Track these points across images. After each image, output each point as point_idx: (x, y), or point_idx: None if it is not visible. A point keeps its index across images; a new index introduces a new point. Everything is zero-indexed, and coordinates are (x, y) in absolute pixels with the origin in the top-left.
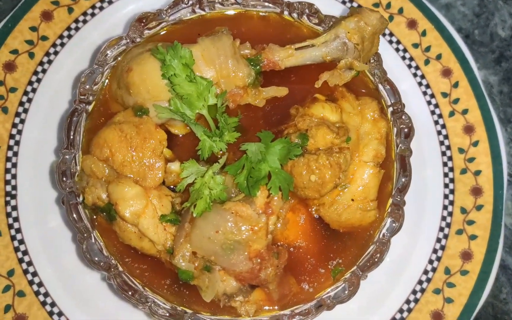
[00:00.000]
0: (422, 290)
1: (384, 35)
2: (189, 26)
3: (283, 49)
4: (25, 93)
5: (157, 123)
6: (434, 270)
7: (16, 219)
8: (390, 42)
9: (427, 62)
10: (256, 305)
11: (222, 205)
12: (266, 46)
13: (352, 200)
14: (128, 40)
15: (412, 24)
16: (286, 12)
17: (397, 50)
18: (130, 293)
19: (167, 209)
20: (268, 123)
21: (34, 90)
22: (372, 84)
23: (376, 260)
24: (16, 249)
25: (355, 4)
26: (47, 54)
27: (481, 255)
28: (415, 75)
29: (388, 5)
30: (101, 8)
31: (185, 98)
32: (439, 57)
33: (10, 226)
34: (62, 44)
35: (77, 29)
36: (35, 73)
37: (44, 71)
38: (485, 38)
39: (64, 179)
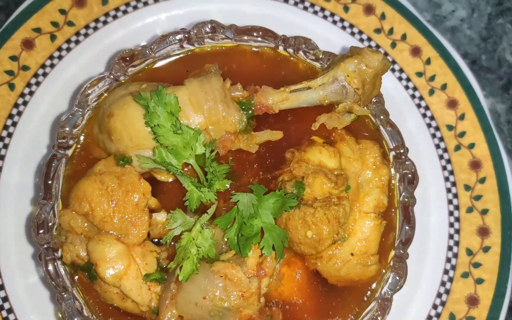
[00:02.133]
0: None
1: None
2: (177, 62)
3: (277, 92)
4: (5, 127)
5: (140, 172)
6: (438, 315)
7: None
8: (393, 70)
9: (431, 92)
10: None
11: (211, 266)
12: (258, 88)
13: (352, 254)
14: (110, 79)
15: (416, 51)
16: (281, 47)
17: (400, 79)
18: None
19: (152, 267)
20: (261, 168)
21: (14, 124)
22: (373, 126)
23: (378, 319)
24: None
25: (355, 29)
26: (29, 85)
27: (488, 300)
28: (418, 106)
29: (391, 31)
30: (86, 35)
31: (170, 148)
32: (444, 87)
33: None
34: (44, 74)
35: (60, 57)
36: (16, 105)
37: (25, 103)
38: (493, 63)
39: (41, 232)
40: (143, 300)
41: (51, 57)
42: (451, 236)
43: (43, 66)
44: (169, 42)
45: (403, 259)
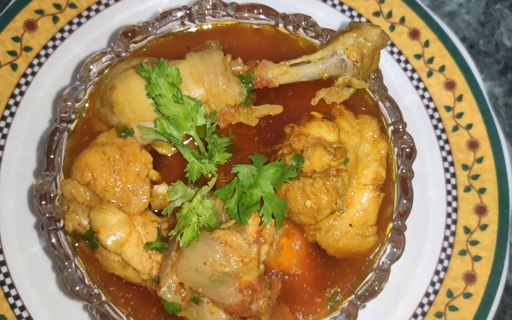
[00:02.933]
0: (424, 314)
1: None
2: (178, 39)
3: (277, 66)
4: (8, 106)
5: (142, 144)
6: (436, 292)
7: None
8: (392, 53)
9: (430, 74)
10: None
11: (211, 233)
12: (259, 62)
13: (350, 225)
14: (112, 55)
15: (414, 34)
16: (281, 25)
17: (398, 61)
18: None
19: (153, 236)
20: (262, 142)
21: (17, 104)
22: (372, 101)
23: (375, 288)
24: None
25: (354, 13)
26: (31, 65)
27: (485, 277)
28: (417, 87)
29: (389, 14)
30: (88, 17)
31: (171, 119)
32: (442, 69)
33: None
34: (47, 55)
35: (62, 39)
36: (18, 85)
37: (27, 83)
38: (490, 47)
39: (44, 203)
40: (144, 268)
41: (53, 39)
42: (449, 215)
43: (45, 47)
44: (171, 19)
45: (401, 231)
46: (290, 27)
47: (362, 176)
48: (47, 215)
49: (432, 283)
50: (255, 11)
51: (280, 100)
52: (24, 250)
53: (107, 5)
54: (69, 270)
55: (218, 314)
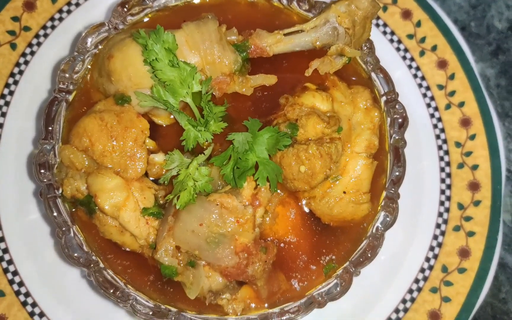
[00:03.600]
0: (419, 289)
1: (378, 25)
2: (174, 12)
3: (271, 35)
4: (7, 85)
5: (139, 112)
6: (430, 268)
7: None
8: (384, 33)
9: (422, 53)
10: (243, 303)
11: (207, 197)
12: (253, 32)
13: (344, 192)
14: (110, 27)
15: (406, 14)
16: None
17: (391, 41)
18: (111, 290)
19: (150, 202)
20: (257, 113)
21: (16, 82)
22: (365, 73)
23: (369, 255)
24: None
25: None
26: (30, 45)
27: (479, 252)
28: (410, 66)
29: None
30: None
31: (168, 85)
32: (434, 48)
33: None
34: (46, 35)
35: (60, 19)
36: (17, 64)
37: (26, 62)
38: (482, 30)
39: (42, 171)
40: (141, 233)
41: (52, 19)
42: (442, 192)
43: (44, 27)
44: None
45: (394, 199)
46: (284, 1)
47: (355, 144)
48: (46, 181)
49: (427, 259)
50: None
51: (275, 72)
52: (22, 218)
53: None
54: (68, 235)
55: (215, 277)
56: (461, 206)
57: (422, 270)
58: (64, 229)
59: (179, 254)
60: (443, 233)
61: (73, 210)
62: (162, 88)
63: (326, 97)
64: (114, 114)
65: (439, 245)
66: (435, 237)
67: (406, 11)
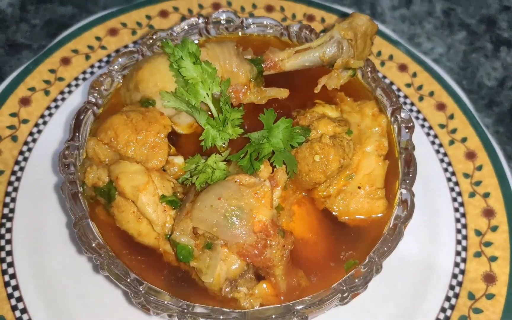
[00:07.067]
0: (447, 318)
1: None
2: None
3: (283, 51)
4: (36, 125)
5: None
6: (456, 296)
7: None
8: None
9: (421, 98)
10: (261, 299)
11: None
12: (267, 51)
13: (359, 187)
14: (138, 55)
15: (402, 67)
16: (285, 36)
17: None
18: (127, 279)
19: (168, 191)
20: None
21: (45, 123)
22: (370, 92)
23: (390, 246)
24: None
25: None
26: (62, 92)
27: (505, 276)
28: (411, 110)
29: (379, 53)
30: (117, 51)
31: (190, 84)
32: (431, 94)
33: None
34: (77, 85)
35: (92, 73)
36: (48, 108)
37: (57, 107)
38: (474, 87)
39: (65, 162)
40: (158, 218)
41: (83, 72)
42: (457, 220)
43: (76, 78)
44: (190, 25)
45: (409, 192)
46: (294, 38)
47: (366, 145)
48: (67, 172)
49: (451, 287)
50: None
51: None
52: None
53: None
54: (85, 222)
55: (232, 260)
56: (478, 233)
57: (448, 299)
58: (81, 214)
59: (196, 238)
60: (464, 260)
61: (92, 201)
62: (185, 91)
63: (335, 108)
64: (140, 113)
65: (462, 272)
66: (457, 264)
67: (402, 65)
